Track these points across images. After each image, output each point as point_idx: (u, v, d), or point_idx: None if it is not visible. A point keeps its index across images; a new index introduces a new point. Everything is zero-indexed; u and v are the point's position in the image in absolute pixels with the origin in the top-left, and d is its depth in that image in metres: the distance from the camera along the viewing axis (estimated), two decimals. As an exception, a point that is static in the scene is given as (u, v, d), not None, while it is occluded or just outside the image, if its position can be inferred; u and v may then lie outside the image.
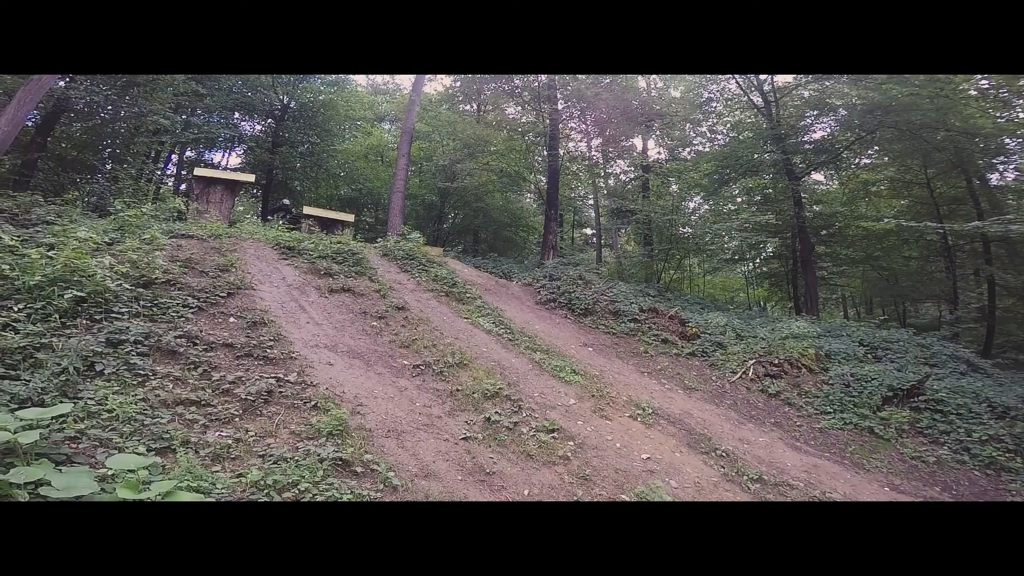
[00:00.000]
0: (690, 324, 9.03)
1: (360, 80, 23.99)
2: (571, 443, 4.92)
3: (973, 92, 12.71)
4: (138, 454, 2.91)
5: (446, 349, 5.77)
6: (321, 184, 18.52)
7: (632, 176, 21.49)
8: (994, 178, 15.04)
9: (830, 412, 7.27)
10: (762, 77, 15.71)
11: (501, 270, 12.08)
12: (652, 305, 9.61)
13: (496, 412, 4.86)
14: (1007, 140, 13.70)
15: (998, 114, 13.01)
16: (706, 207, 18.88)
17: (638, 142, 20.80)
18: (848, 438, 6.97)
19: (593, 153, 21.30)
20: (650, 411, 6.20)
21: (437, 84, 21.02)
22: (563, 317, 9.26)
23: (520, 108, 19.37)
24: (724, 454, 5.71)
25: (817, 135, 15.90)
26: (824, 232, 16.65)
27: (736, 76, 16.20)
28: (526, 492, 4.02)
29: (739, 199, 16.52)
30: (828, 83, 14.46)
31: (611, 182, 22.59)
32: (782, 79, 16.02)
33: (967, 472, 6.51)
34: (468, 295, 8.19)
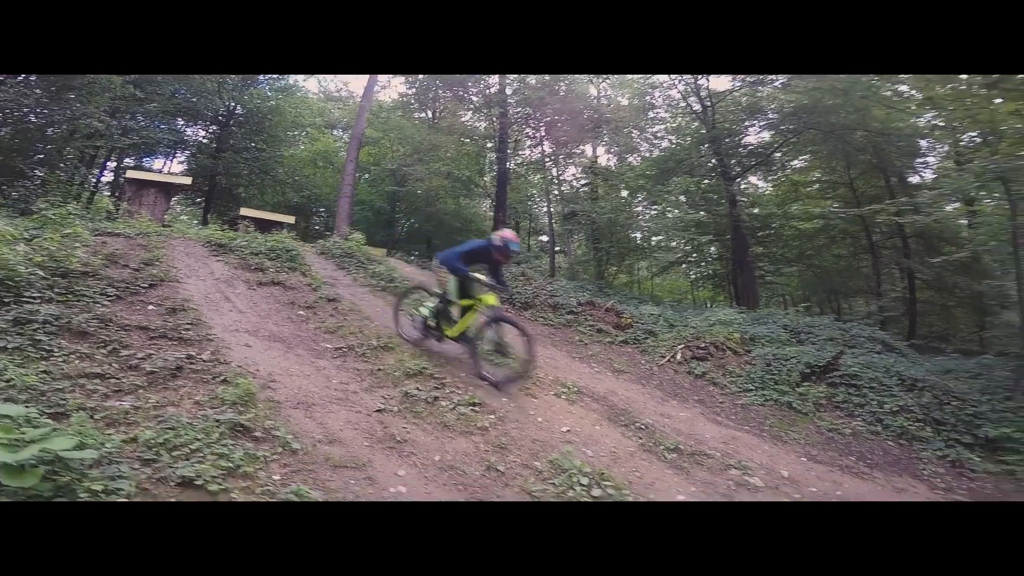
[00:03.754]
0: (625, 315, 9.37)
1: (312, 86, 23.93)
2: (492, 416, 5.06)
3: (887, 93, 13.64)
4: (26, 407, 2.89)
5: (372, 333, 5.86)
6: (267, 190, 18.33)
7: (583, 182, 22.10)
8: (915, 179, 16.14)
9: (752, 389, 7.65)
10: (700, 83, 16.54)
11: (447, 270, 12.22)
12: (590, 299, 9.93)
13: (417, 388, 4.97)
14: (921, 141, 14.78)
15: (912, 116, 13.99)
16: (653, 211, 19.56)
17: (589, 148, 21.45)
18: (768, 413, 7.33)
19: (545, 159, 21.84)
20: (575, 390, 6.42)
21: (392, 91, 21.22)
22: (504, 311, 9.45)
23: (472, 114, 19.75)
24: (644, 427, 5.94)
25: (751, 139, 16.84)
26: (761, 233, 17.51)
27: (678, 83, 17.03)
28: (437, 458, 4.13)
29: (680, 198, 17.22)
30: (762, 88, 15.33)
31: (564, 188, 23.13)
32: (718, 84, 16.90)
33: (881, 442, 6.83)
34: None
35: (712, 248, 19.01)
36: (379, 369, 5.24)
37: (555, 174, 22.34)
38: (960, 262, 12.55)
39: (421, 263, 12.47)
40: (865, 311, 17.85)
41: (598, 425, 5.74)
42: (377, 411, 4.45)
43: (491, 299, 5.72)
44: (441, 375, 5.36)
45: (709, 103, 16.25)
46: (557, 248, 23.23)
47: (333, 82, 25.50)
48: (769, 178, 18.92)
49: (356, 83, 25.85)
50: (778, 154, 16.60)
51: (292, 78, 19.47)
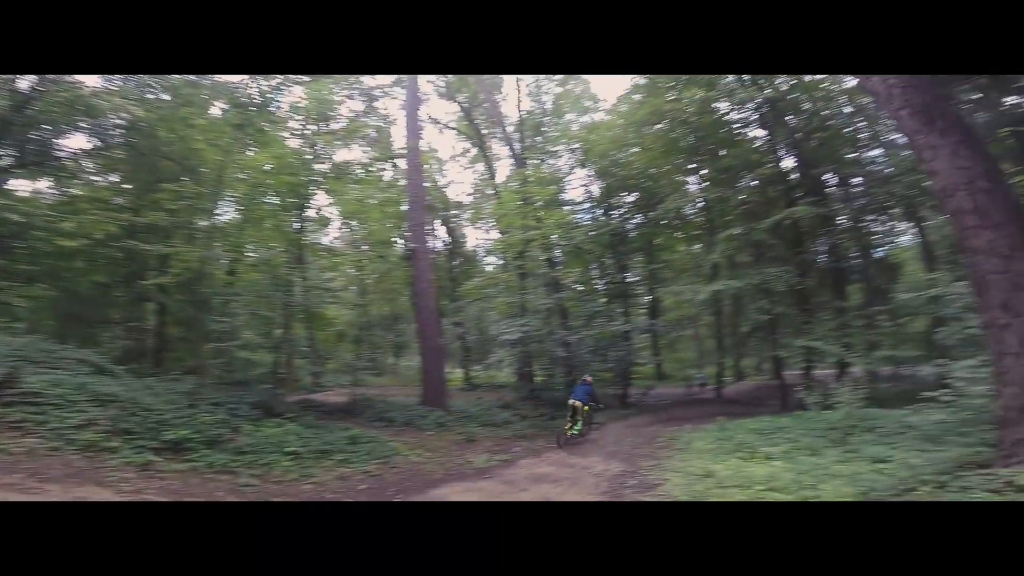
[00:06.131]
0: None
1: None
2: None
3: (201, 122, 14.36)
4: None
5: None
6: None
7: None
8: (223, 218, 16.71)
9: None
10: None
11: None
12: None
13: None
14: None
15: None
16: None
17: None
18: None
19: None
20: None
21: None
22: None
23: None
24: None
25: (71, 140, 14.52)
26: (15, 243, 14.72)
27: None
28: None
29: None
30: (106, 97, 13.35)
31: None
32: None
33: (63, 457, 6.71)
34: None
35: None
36: None
37: None
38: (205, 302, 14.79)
39: None
40: (123, 341, 17.97)
41: None
42: None
43: (585, 408, 12.13)
44: None
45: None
46: None
47: None
48: (63, 187, 16.26)
49: None
50: (89, 163, 14.87)
51: None
